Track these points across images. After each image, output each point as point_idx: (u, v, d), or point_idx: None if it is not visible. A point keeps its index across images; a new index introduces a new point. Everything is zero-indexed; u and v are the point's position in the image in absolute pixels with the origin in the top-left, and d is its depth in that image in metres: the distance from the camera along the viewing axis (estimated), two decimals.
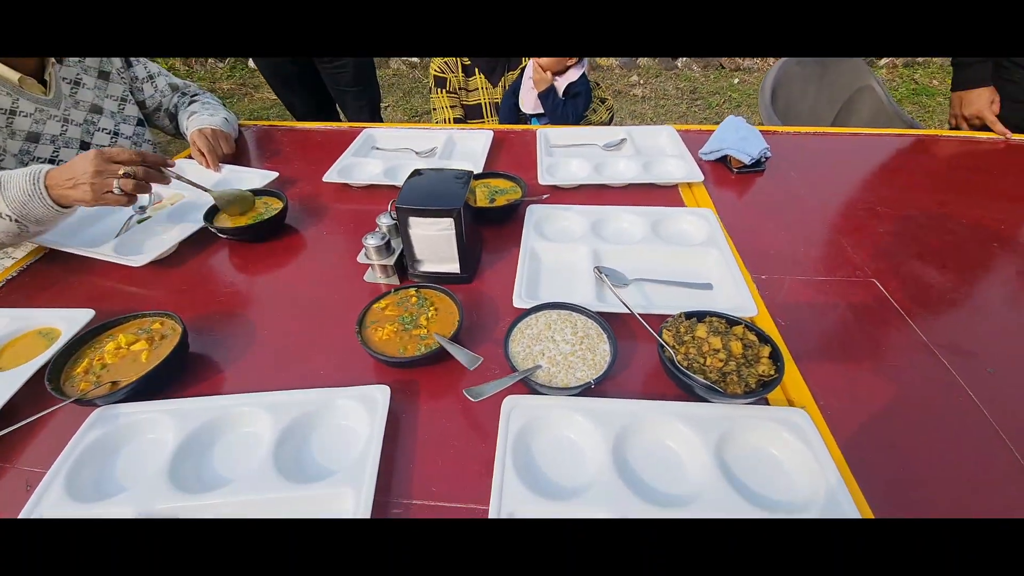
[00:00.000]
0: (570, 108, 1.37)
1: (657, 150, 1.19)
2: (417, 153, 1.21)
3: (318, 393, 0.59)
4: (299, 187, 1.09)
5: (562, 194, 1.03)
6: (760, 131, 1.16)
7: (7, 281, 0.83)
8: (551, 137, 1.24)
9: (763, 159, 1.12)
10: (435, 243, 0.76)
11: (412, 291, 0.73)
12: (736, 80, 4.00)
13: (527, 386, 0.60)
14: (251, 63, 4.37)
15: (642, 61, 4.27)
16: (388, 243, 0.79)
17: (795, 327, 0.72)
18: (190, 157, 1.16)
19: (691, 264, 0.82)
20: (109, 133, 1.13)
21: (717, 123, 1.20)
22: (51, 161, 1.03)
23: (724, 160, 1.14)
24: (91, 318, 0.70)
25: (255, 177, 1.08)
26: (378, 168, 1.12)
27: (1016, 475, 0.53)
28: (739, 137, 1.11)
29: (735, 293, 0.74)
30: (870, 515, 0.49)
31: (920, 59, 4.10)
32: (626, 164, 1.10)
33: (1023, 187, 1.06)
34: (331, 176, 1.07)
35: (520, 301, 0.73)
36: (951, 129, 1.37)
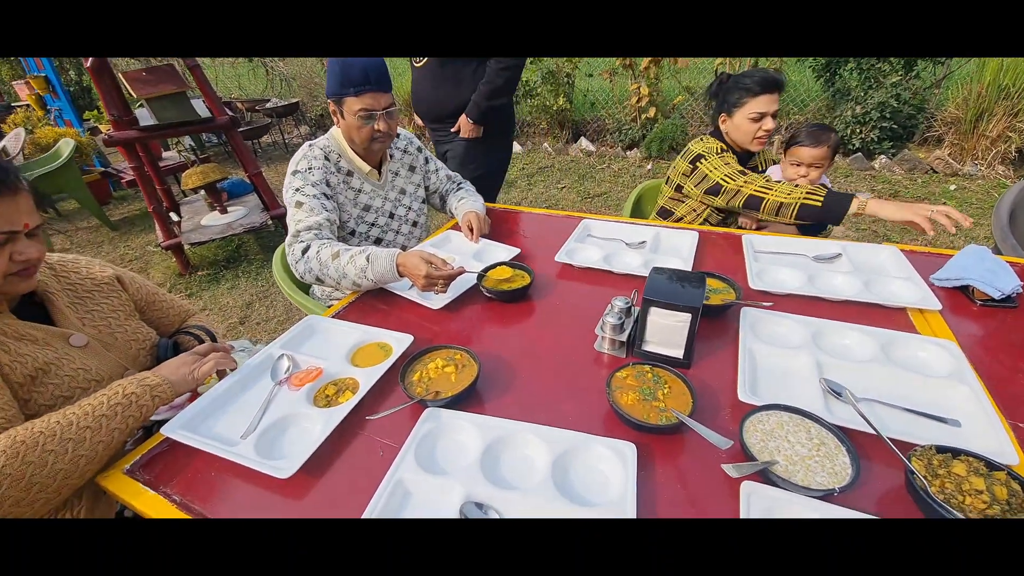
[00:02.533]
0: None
1: (877, 269, 1.19)
2: (627, 244, 1.40)
3: (581, 436, 0.75)
4: (530, 262, 1.36)
5: (772, 300, 1.10)
6: (1008, 262, 1.08)
7: (349, 304, 1.22)
8: (756, 243, 1.33)
9: (1014, 295, 1.03)
10: (668, 331, 0.90)
11: (647, 368, 0.87)
12: (953, 187, 3.53)
13: (762, 477, 0.67)
14: None
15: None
16: (623, 323, 0.96)
17: None
18: (455, 227, 1.55)
19: (930, 396, 0.81)
20: (407, 208, 1.58)
21: (924, 234, 1.16)
22: (372, 224, 1.48)
23: (964, 289, 1.08)
24: (411, 342, 1.00)
25: (503, 252, 1.39)
26: (596, 254, 1.34)
27: None
28: (985, 268, 1.05)
29: (991, 436, 0.71)
30: None
31: None
32: (844, 279, 1.12)
33: None
34: (561, 257, 1.32)
35: (744, 395, 0.81)
36: None
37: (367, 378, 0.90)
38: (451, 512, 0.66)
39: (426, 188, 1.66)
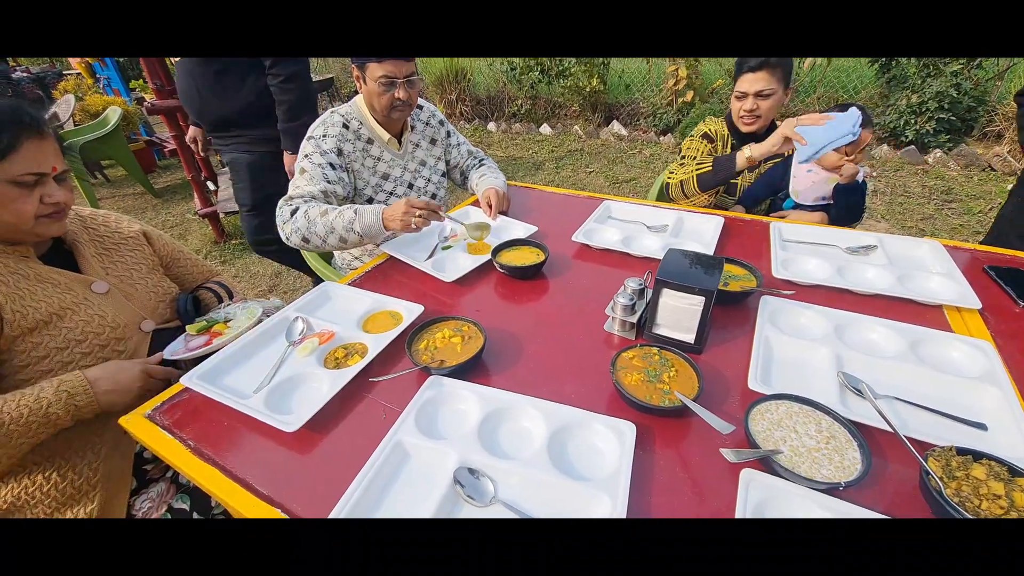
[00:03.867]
0: (862, 206, 1.41)
1: (915, 263, 1.12)
2: (648, 227, 1.36)
3: (580, 412, 0.75)
4: (548, 240, 1.34)
5: (797, 291, 1.05)
6: None
7: (365, 273, 1.24)
8: (784, 231, 1.27)
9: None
10: (680, 314, 0.88)
11: (655, 350, 0.85)
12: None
13: (765, 466, 0.65)
14: (490, 126, 5.33)
15: (880, 152, 3.83)
16: (634, 304, 0.94)
17: None
18: (474, 204, 1.55)
19: (957, 397, 0.76)
20: (425, 180, 1.58)
21: (978, 233, 1.09)
22: (391, 194, 1.49)
23: (1007, 289, 1.00)
24: (422, 311, 1.01)
25: (520, 228, 1.37)
26: (615, 236, 1.31)
27: None
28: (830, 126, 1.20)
29: (1020, 442, 0.66)
30: None
31: None
32: (876, 273, 1.06)
33: None
34: (578, 237, 1.29)
35: (755, 384, 0.78)
36: None
37: (376, 344, 0.92)
38: (445, 476, 0.67)
39: (447, 162, 1.66)
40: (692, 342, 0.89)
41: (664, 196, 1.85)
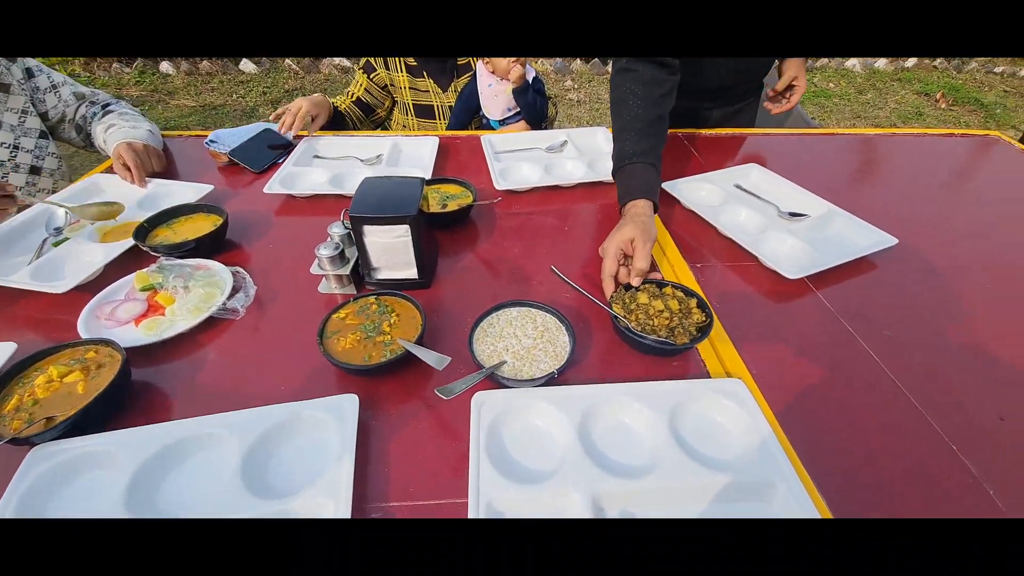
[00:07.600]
0: (542, 104, 1.43)
1: (596, 149, 1.26)
2: (362, 161, 1.19)
3: (282, 408, 0.58)
4: (238, 200, 1.04)
5: (515, 197, 1.07)
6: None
7: None
8: (496, 143, 1.28)
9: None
10: (392, 250, 0.76)
11: (372, 299, 0.73)
12: None
13: (495, 381, 0.63)
14: (163, 67, 4.04)
15: (575, 65, 4.43)
16: (342, 252, 0.79)
17: (729, 309, 0.80)
18: (109, 170, 1.08)
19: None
20: (8, 147, 1.02)
21: None
22: None
23: None
24: (13, 351, 0.64)
25: (187, 191, 1.02)
26: (323, 177, 1.10)
27: (911, 413, 0.63)
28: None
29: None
30: (797, 462, 0.56)
31: (818, 63, 4.59)
32: (573, 165, 1.16)
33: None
34: (273, 187, 1.03)
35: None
36: None
37: None
38: None
39: (43, 116, 1.10)
40: (417, 277, 0.81)
41: None
